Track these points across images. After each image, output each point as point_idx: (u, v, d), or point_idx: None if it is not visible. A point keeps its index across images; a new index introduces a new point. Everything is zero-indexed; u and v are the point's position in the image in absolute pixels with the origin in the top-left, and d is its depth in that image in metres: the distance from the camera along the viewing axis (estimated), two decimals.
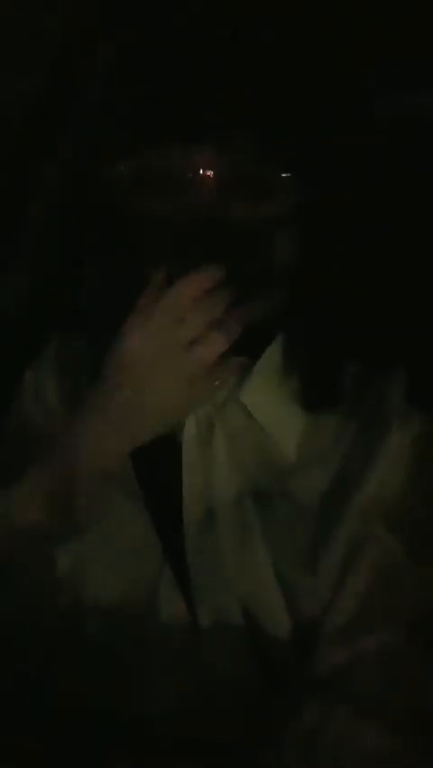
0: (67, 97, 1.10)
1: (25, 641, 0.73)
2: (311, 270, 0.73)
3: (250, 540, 0.74)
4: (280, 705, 0.71)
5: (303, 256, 0.73)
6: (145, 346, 0.66)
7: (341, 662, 0.69)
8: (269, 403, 0.75)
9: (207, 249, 0.68)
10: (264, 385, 0.75)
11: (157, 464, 0.75)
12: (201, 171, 0.68)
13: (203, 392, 0.69)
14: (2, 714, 0.74)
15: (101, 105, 0.84)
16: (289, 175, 0.69)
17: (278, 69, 0.71)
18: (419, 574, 0.71)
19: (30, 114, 1.10)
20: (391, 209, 0.80)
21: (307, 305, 0.74)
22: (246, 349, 0.74)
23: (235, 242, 0.69)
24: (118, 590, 0.74)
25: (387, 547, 0.72)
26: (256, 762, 0.67)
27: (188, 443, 0.76)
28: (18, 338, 1.07)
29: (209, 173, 0.68)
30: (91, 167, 0.82)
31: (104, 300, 0.79)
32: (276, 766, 0.66)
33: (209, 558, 0.74)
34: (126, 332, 0.67)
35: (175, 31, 0.76)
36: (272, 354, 0.76)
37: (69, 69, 1.05)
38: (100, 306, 0.79)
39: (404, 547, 0.72)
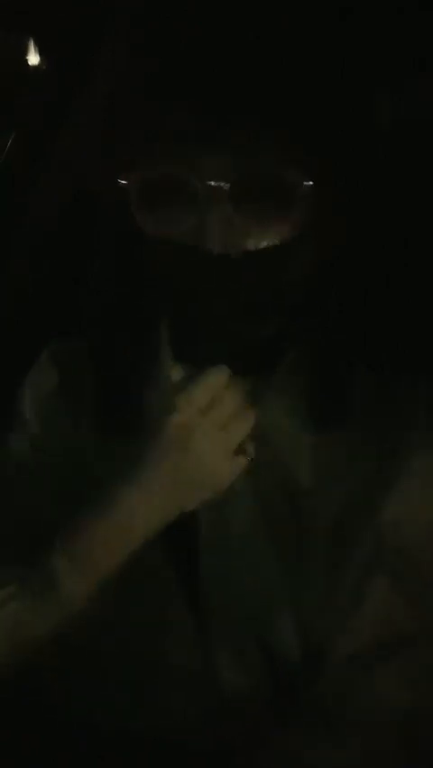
0: (72, 100, 1.09)
1: (36, 658, 0.72)
2: (324, 286, 0.71)
3: (263, 563, 0.73)
4: (292, 731, 0.70)
5: (316, 271, 0.71)
6: (191, 425, 0.70)
7: (354, 688, 0.69)
8: (281, 422, 0.74)
9: (218, 262, 0.66)
10: (277, 403, 0.74)
11: None
12: (215, 183, 0.64)
13: (239, 466, 0.72)
14: (12, 728, 0.74)
15: (108, 111, 0.83)
16: (308, 183, 0.66)
17: (296, 72, 0.67)
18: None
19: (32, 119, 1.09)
20: (408, 219, 0.79)
21: (319, 321, 0.72)
22: (259, 367, 0.73)
23: (250, 255, 0.66)
24: (131, 611, 0.73)
25: (401, 573, 0.71)
26: None
27: None
28: (18, 339, 1.06)
29: (224, 185, 0.64)
30: (97, 176, 0.81)
31: (108, 303, 0.77)
32: None
33: (223, 580, 0.73)
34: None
35: (185, 35, 0.74)
36: (285, 372, 0.74)
37: (74, 72, 1.04)
38: (104, 309, 0.78)
39: (420, 573, 0.71)
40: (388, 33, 0.82)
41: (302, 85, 0.66)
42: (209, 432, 0.70)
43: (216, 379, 0.70)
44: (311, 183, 0.65)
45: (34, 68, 1.14)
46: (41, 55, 1.14)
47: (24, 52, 1.12)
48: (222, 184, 0.64)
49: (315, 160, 0.65)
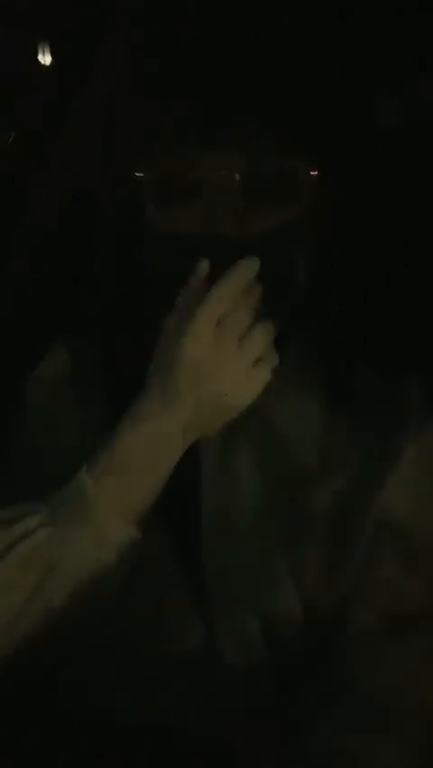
0: (74, 99, 1.09)
1: (39, 650, 0.72)
2: (327, 275, 0.72)
3: (269, 548, 0.73)
4: (294, 714, 0.70)
5: (320, 261, 0.72)
6: (203, 347, 0.66)
7: (358, 671, 0.69)
8: (288, 409, 0.75)
9: (225, 253, 0.67)
10: (283, 391, 0.74)
11: (175, 472, 0.75)
12: (224, 174, 0.66)
13: (261, 382, 0.69)
14: (13, 721, 0.74)
15: (114, 106, 0.83)
16: (314, 173, 0.67)
17: (297, 71, 0.70)
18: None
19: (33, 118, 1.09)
20: (410, 212, 0.80)
21: (323, 310, 0.73)
22: None
23: (258, 245, 0.67)
24: (133, 600, 0.73)
25: (404, 557, 0.72)
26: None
27: (206, 452, 0.75)
28: (19, 339, 1.07)
29: (232, 176, 0.66)
30: (102, 171, 0.82)
31: (109, 303, 0.78)
32: None
33: (227, 565, 0.73)
34: (177, 334, 0.67)
35: (192, 32, 0.75)
36: (291, 360, 0.75)
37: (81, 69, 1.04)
38: (112, 307, 0.79)
39: (421, 555, 0.72)
40: (387, 32, 0.83)
41: (303, 83, 0.68)
42: (228, 347, 0.66)
43: (248, 272, 0.66)
44: (314, 174, 0.67)
45: (36, 67, 1.15)
46: (42, 55, 1.15)
47: (26, 52, 1.13)
48: (229, 176, 0.66)
49: (317, 154, 0.67)
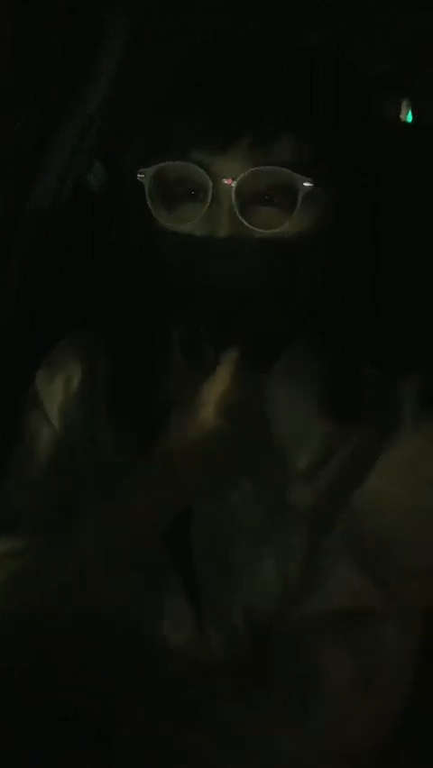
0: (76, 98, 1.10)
1: (31, 647, 0.74)
2: (328, 278, 0.73)
3: (258, 542, 0.75)
4: (281, 704, 0.72)
5: (320, 266, 0.72)
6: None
7: (337, 662, 0.71)
8: (286, 409, 0.75)
9: (230, 257, 0.69)
10: (282, 393, 0.75)
11: None
12: (228, 179, 0.67)
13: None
14: (4, 720, 0.75)
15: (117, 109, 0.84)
16: (313, 184, 0.68)
17: (308, 75, 0.70)
18: (419, 576, 0.73)
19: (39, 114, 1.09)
20: (411, 215, 0.80)
21: (323, 312, 0.74)
22: (264, 357, 0.75)
23: (260, 251, 0.69)
24: (125, 597, 0.75)
25: (387, 548, 0.73)
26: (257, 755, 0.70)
27: None
28: (21, 338, 1.08)
29: (235, 181, 0.67)
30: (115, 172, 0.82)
31: (118, 297, 0.79)
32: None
33: (216, 559, 0.75)
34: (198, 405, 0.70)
35: (197, 35, 0.75)
36: (290, 360, 0.76)
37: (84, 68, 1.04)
38: (114, 303, 0.80)
39: (405, 547, 0.73)
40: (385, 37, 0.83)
41: (303, 94, 0.69)
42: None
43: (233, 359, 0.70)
44: (312, 184, 0.68)
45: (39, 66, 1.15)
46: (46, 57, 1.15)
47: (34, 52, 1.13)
48: (230, 181, 0.67)
49: (317, 162, 0.68)
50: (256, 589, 0.75)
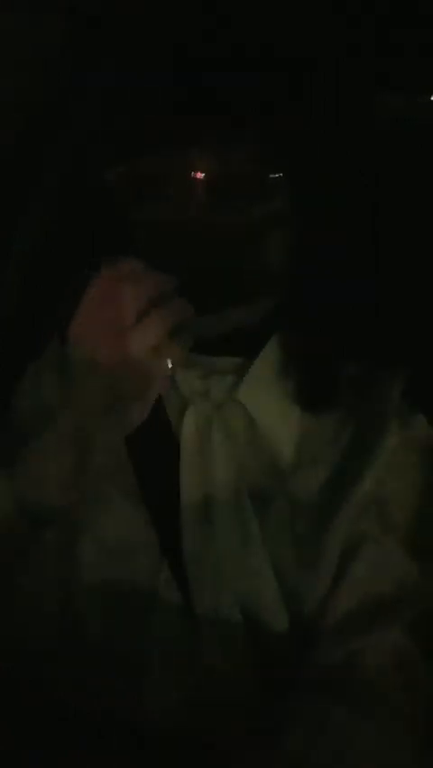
0: (64, 99, 1.10)
1: (23, 639, 0.74)
2: (307, 270, 0.73)
3: (248, 538, 0.74)
4: (279, 704, 0.71)
5: (299, 256, 0.73)
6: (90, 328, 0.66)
7: (339, 660, 0.70)
8: (267, 402, 0.76)
9: (201, 251, 0.70)
10: (262, 384, 0.76)
11: (155, 463, 0.76)
12: (195, 173, 0.69)
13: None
14: (4, 720, 0.75)
15: (98, 107, 0.85)
16: (281, 175, 0.69)
17: (274, 68, 0.72)
18: (416, 574, 0.72)
19: (28, 116, 1.10)
20: (388, 208, 0.80)
21: (304, 304, 0.75)
22: (244, 349, 0.75)
23: (230, 243, 0.70)
24: (116, 588, 0.75)
25: (382, 547, 0.73)
26: (254, 760, 0.68)
27: (186, 443, 0.76)
28: (18, 338, 1.07)
29: (203, 175, 0.68)
30: (89, 170, 0.83)
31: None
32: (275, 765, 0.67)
33: (207, 556, 0.75)
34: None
35: (170, 32, 0.76)
36: (270, 354, 0.77)
37: (67, 69, 1.04)
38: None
39: (400, 547, 0.72)
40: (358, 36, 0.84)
41: (269, 89, 0.71)
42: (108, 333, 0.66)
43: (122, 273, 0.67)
44: (279, 176, 0.69)
45: None
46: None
47: None
48: (199, 175, 0.69)
49: (283, 156, 0.70)
50: (248, 585, 0.74)
